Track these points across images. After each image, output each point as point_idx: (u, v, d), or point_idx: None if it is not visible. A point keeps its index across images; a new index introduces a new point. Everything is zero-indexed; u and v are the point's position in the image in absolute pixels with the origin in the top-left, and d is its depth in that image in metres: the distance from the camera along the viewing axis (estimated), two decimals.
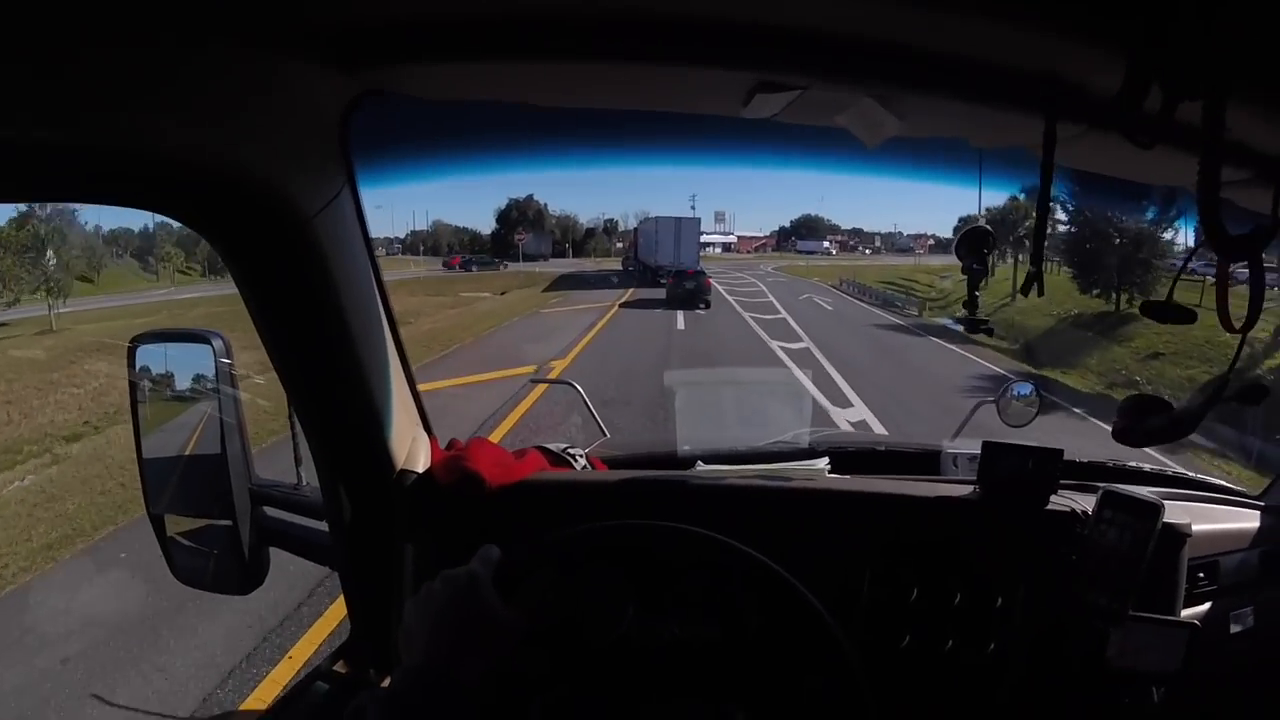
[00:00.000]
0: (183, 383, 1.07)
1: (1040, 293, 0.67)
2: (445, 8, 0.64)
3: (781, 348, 11.94)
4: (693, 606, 0.96)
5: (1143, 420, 0.69)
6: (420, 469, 1.07)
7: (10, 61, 0.48)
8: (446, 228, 62.43)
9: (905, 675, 1.03)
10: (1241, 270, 0.64)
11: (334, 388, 0.95)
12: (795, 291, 27.30)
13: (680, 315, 16.69)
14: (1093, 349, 13.98)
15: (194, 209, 0.78)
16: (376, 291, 0.96)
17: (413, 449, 1.08)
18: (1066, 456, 1.08)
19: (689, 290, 19.32)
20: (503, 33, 0.65)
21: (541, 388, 8.10)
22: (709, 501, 1.11)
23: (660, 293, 20.91)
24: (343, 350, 0.92)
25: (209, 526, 1.08)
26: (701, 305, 18.78)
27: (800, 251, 63.78)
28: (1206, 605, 1.13)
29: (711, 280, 20.76)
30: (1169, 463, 1.44)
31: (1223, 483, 1.44)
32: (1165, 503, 1.02)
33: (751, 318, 16.81)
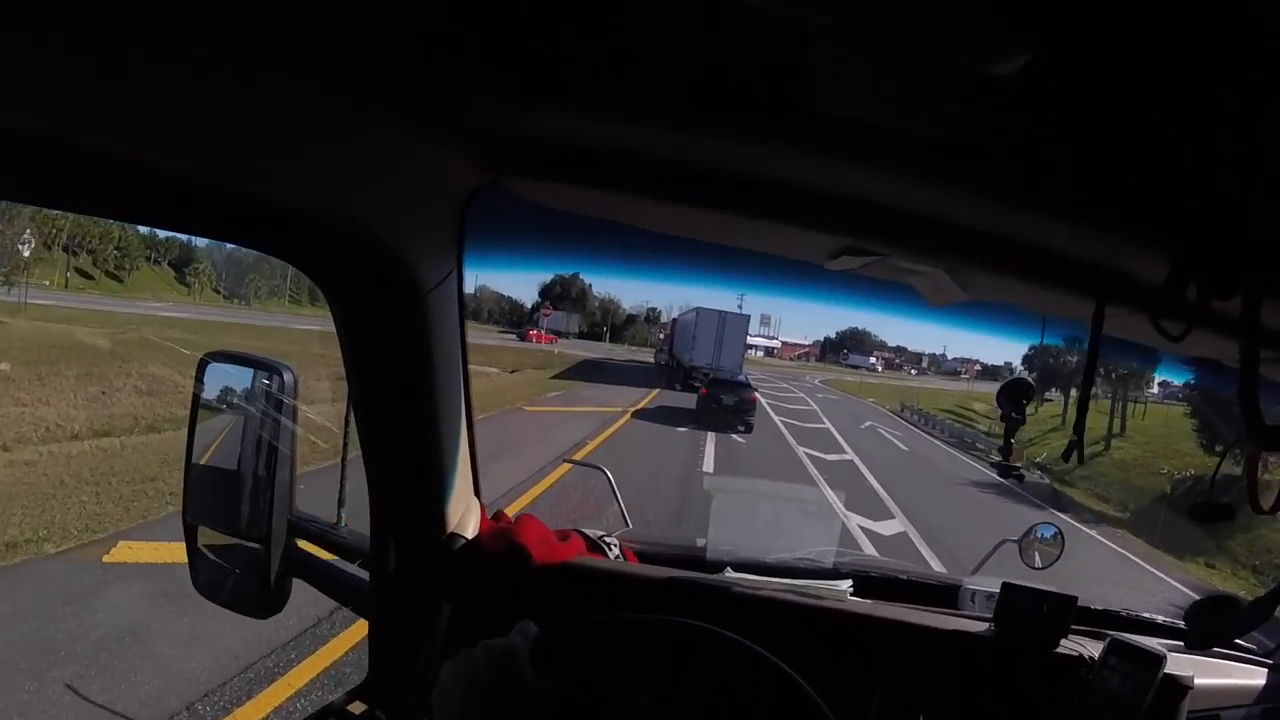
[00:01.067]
0: (245, 404, 1.35)
1: (1080, 460, 0.92)
2: (573, 138, 0.85)
3: (863, 526, 9.58)
4: (705, 703, 1.18)
5: (1215, 620, 0.88)
6: (469, 534, 1.34)
7: (201, 113, 0.64)
8: (491, 294, 69.82)
9: None
10: None
11: (406, 447, 1.22)
12: (853, 415, 26.98)
13: (710, 443, 14.70)
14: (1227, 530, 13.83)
15: (322, 265, 1.03)
16: (462, 367, 1.24)
17: (465, 515, 1.35)
18: (1084, 603, 1.33)
19: (727, 407, 17.95)
20: (621, 168, 0.88)
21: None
22: (738, 608, 1.37)
23: (690, 400, 19.99)
24: (422, 413, 1.18)
25: (239, 546, 1.33)
26: (741, 429, 17.51)
27: (847, 365, 69.74)
28: None
29: (757, 395, 19.78)
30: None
31: (1237, 640, 1.66)
32: (1172, 654, 1.26)
33: (806, 454, 15.53)
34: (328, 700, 1.32)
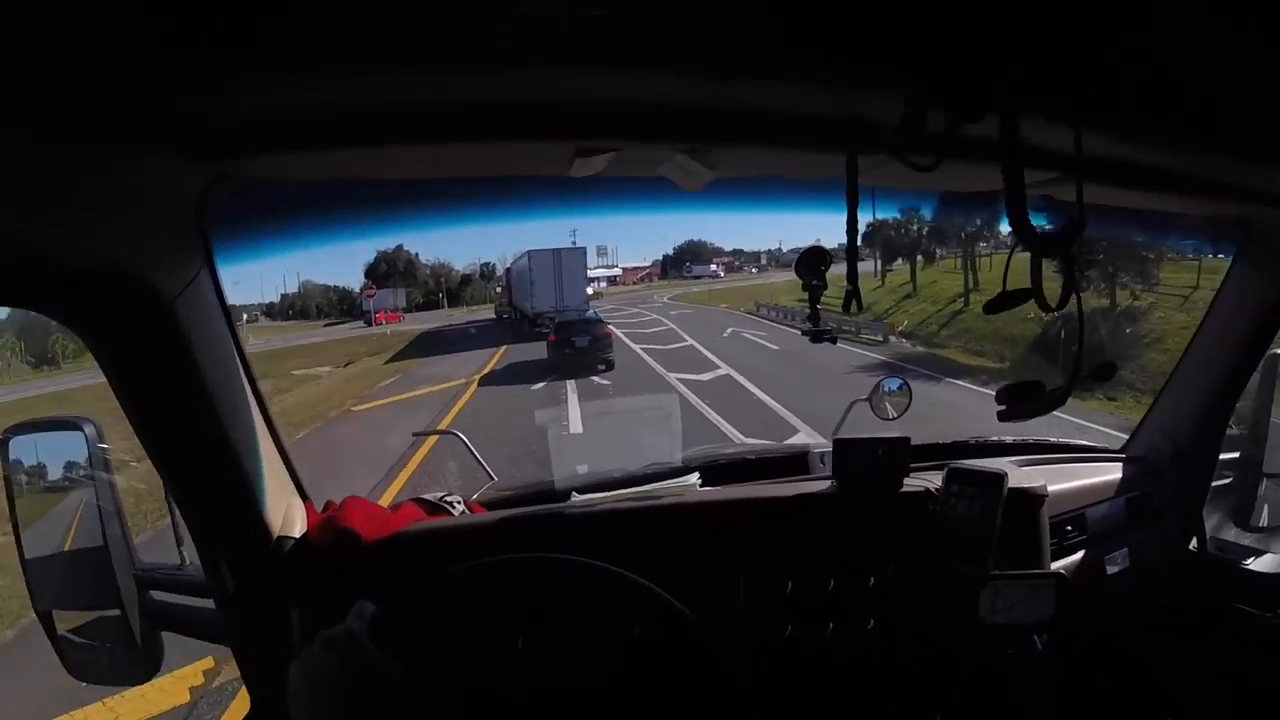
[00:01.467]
0: (57, 473, 1.35)
1: (860, 307, 1.02)
2: (285, 104, 0.85)
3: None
4: (580, 637, 1.30)
5: (1020, 402, 1.01)
6: (297, 534, 1.37)
7: None
8: (316, 288, 68.47)
9: (794, 664, 1.44)
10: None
11: (205, 464, 1.23)
12: (712, 326, 27.02)
13: (573, 396, 13.76)
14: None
15: (52, 300, 1.02)
16: (240, 366, 1.26)
17: (288, 515, 1.38)
18: (928, 441, 1.54)
19: (581, 349, 17.41)
20: (337, 123, 0.88)
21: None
22: (583, 529, 1.48)
23: (541, 349, 19.22)
24: (211, 427, 1.20)
25: (99, 619, 1.35)
26: (602, 368, 17.03)
27: (691, 277, 73.74)
28: (1079, 554, 1.63)
29: (611, 329, 19.15)
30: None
31: (1081, 442, 2.04)
32: (1021, 469, 1.48)
33: (680, 381, 14.93)
34: None
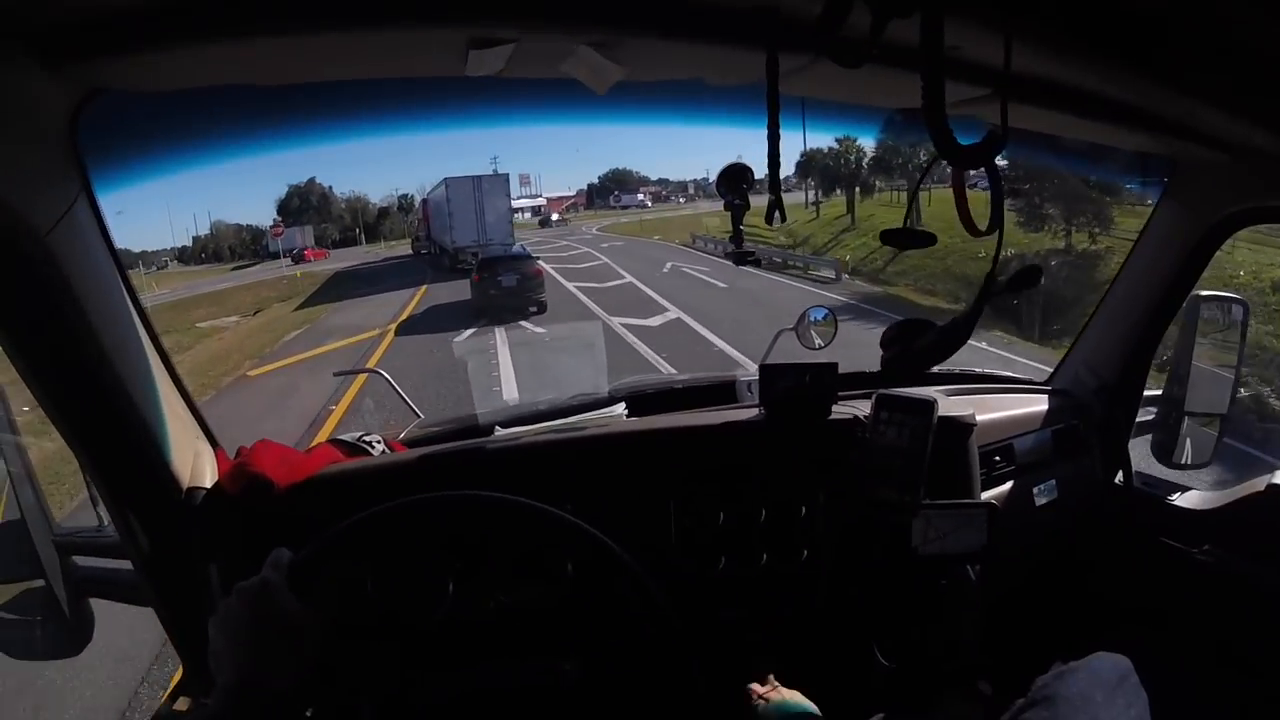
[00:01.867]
0: None
1: (782, 219, 1.01)
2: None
3: None
4: (512, 572, 1.36)
5: (910, 344, 1.02)
6: (208, 483, 1.38)
7: None
8: (228, 228, 68.71)
9: (727, 596, 1.51)
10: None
11: (102, 414, 1.21)
12: (650, 260, 27.00)
13: (503, 345, 11.33)
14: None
15: None
16: (130, 304, 1.23)
17: (196, 464, 1.39)
18: (850, 369, 1.60)
19: (508, 289, 16.75)
20: (211, 13, 0.86)
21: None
22: (506, 464, 1.51)
23: (463, 290, 18.77)
24: (103, 373, 1.18)
25: (23, 591, 1.38)
26: (534, 310, 16.52)
27: (619, 207, 76.94)
28: (1008, 485, 1.75)
29: (542, 266, 18.58)
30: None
31: (1007, 374, 2.17)
32: (949, 399, 1.54)
33: (625, 326, 14.15)
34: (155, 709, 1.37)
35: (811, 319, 2.17)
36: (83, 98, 0.99)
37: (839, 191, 34.60)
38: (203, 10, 0.86)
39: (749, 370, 2.01)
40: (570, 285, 20.72)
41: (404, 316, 18.79)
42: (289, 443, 1.49)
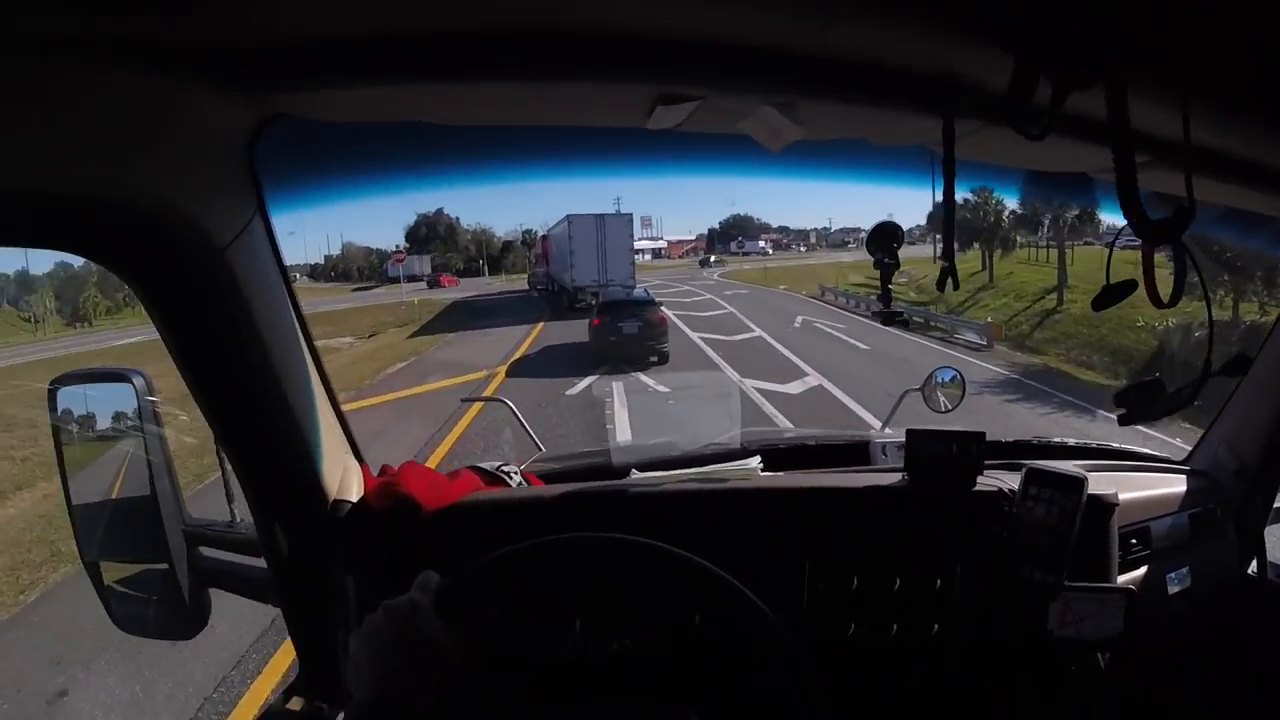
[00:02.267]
0: (106, 423, 1.52)
1: (955, 286, 1.04)
2: (341, 29, 0.89)
3: None
4: (639, 616, 1.42)
5: (1145, 404, 1.08)
6: (354, 498, 1.51)
7: None
8: (358, 250, 76.67)
9: (854, 664, 1.53)
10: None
11: (259, 421, 1.35)
12: (778, 311, 27.12)
13: (620, 395, 10.37)
14: None
15: (103, 245, 1.10)
16: (295, 319, 1.37)
17: (345, 478, 1.52)
18: (992, 438, 1.60)
19: (629, 336, 16.71)
20: (400, 54, 0.92)
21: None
22: (645, 509, 1.59)
23: (580, 330, 18.89)
24: (265, 382, 1.30)
25: (145, 571, 1.53)
26: (654, 360, 16.44)
27: (738, 253, 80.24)
28: (1142, 570, 1.72)
29: (665, 314, 18.29)
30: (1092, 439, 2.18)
31: (1146, 451, 2.12)
32: (1090, 475, 1.54)
33: (758, 390, 13.28)
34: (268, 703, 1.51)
35: (939, 380, 2.21)
36: (263, 122, 1.10)
37: (975, 245, 33.96)
38: (396, 51, 0.93)
39: (881, 430, 2.06)
40: (694, 335, 20.66)
41: (518, 355, 19.17)
42: None
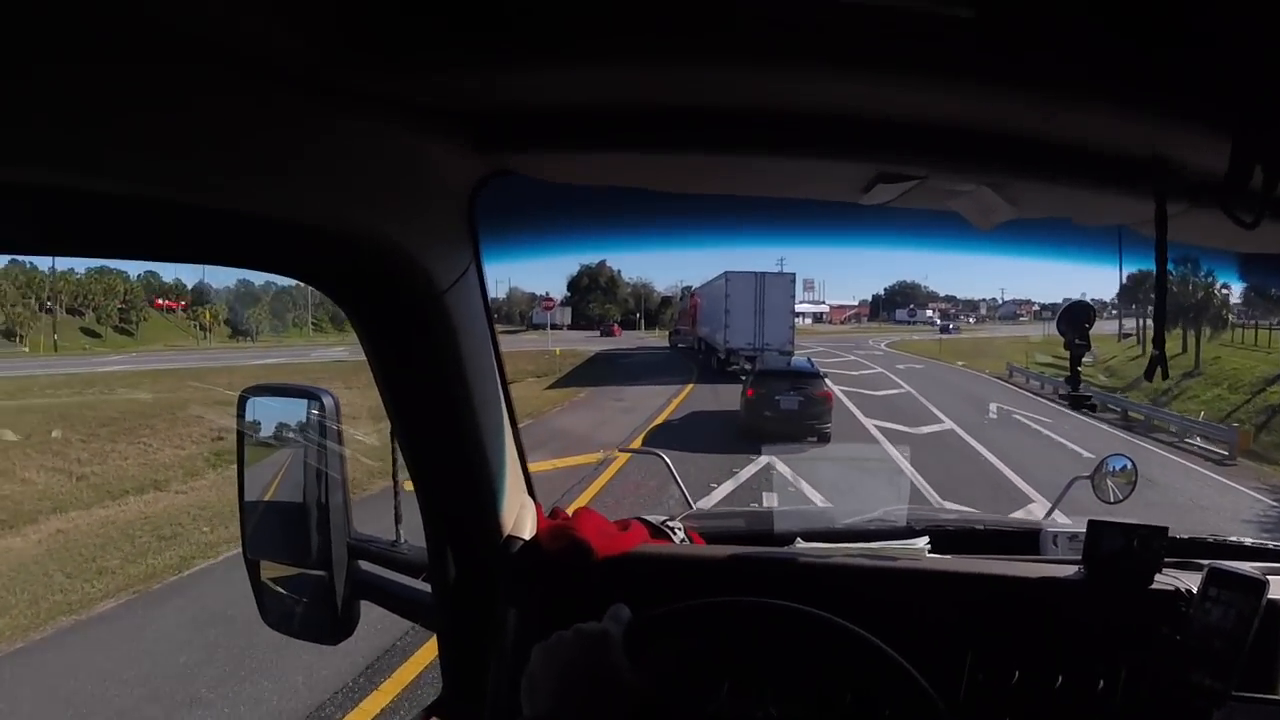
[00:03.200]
0: (291, 435, 1.77)
1: (1165, 375, 1.10)
2: (579, 99, 1.02)
3: None
4: (787, 686, 1.50)
5: None
6: (527, 535, 1.68)
7: (176, 131, 0.78)
8: (522, 295, 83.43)
9: None
10: None
11: (450, 454, 1.53)
12: (965, 396, 25.47)
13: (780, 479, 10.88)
14: None
15: (334, 279, 1.27)
16: (495, 364, 1.56)
17: (520, 516, 1.69)
18: (1172, 534, 1.62)
19: (788, 412, 16.15)
20: (624, 124, 1.05)
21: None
22: (813, 580, 1.68)
23: (730, 397, 18.61)
24: (461, 419, 1.48)
25: (302, 575, 1.76)
26: (814, 440, 15.70)
27: (903, 322, 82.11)
28: None
29: (831, 390, 17.74)
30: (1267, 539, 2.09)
31: None
32: (1271, 578, 1.55)
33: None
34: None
35: (1109, 469, 2.25)
36: (486, 176, 1.26)
37: (1177, 324, 31.88)
38: (623, 121, 1.06)
39: (1046, 516, 2.13)
40: (868, 422, 18.91)
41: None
42: None
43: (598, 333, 62.80)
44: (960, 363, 37.80)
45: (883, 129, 1.05)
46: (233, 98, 0.82)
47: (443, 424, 1.51)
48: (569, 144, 1.13)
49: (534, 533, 1.72)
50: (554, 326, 50.88)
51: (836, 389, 20.16)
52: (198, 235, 1.01)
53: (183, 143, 0.80)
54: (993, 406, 22.83)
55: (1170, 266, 1.12)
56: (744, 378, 19.89)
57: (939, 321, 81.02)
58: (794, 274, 30.06)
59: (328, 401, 1.72)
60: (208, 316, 58.79)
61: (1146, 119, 0.98)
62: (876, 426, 18.08)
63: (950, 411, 21.14)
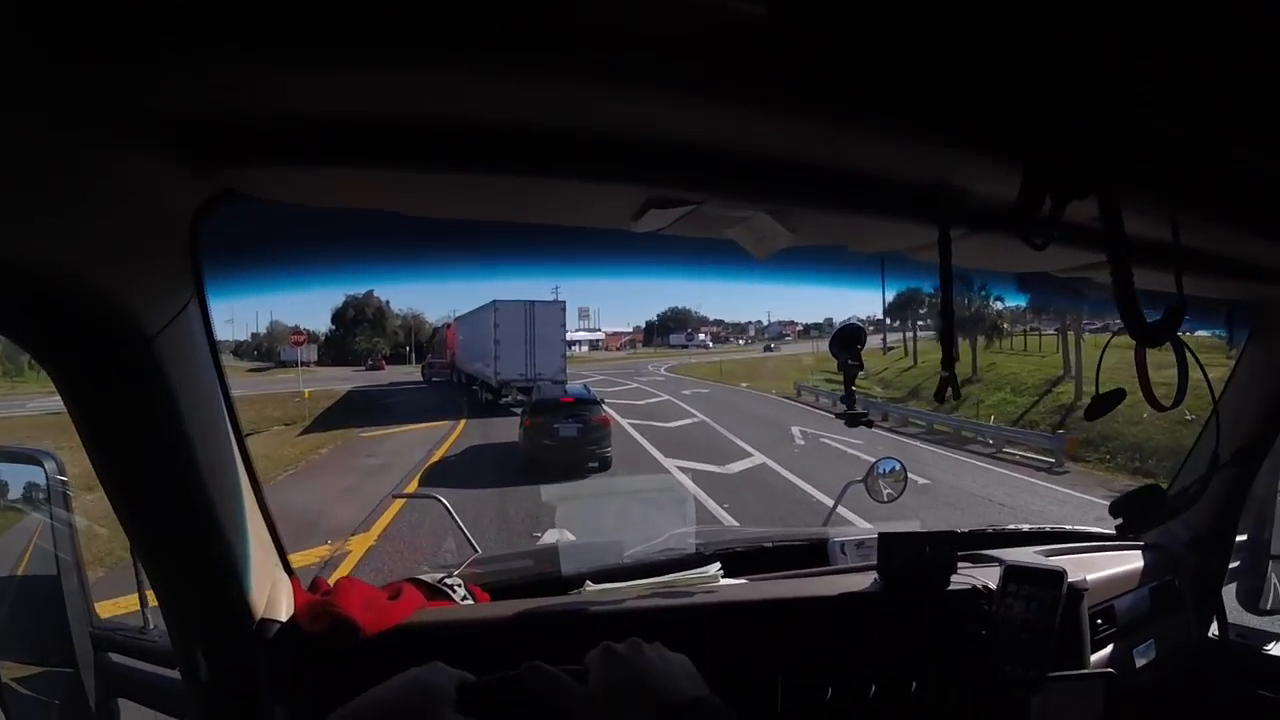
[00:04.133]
0: (11, 510, 1.67)
1: (956, 395, 1.18)
2: (310, 106, 0.95)
3: None
4: None
5: (1145, 510, 1.30)
6: (283, 617, 1.60)
7: None
8: (284, 329, 79.09)
9: None
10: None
11: (181, 525, 1.41)
12: (761, 420, 25.41)
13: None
14: None
15: (14, 318, 1.15)
16: (226, 415, 1.45)
17: (273, 593, 1.60)
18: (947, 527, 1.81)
19: (567, 440, 16.82)
20: (373, 137, 0.99)
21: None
22: (608, 627, 1.70)
23: (503, 431, 19.24)
24: (189, 483, 1.36)
25: (48, 673, 1.65)
26: (594, 467, 16.63)
27: (681, 346, 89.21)
28: (1109, 648, 1.97)
29: (609, 415, 18.43)
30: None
31: (1100, 530, 2.46)
32: (1043, 560, 1.78)
33: None
34: None
35: (880, 470, 2.55)
36: (209, 200, 1.17)
37: (963, 338, 34.71)
38: (365, 132, 1.00)
39: (824, 525, 2.39)
40: (671, 464, 17.67)
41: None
42: None
43: (364, 367, 59.43)
44: (744, 384, 39.10)
45: (656, 151, 1.06)
46: None
47: (167, 490, 1.38)
48: (298, 158, 1.05)
49: (291, 612, 1.64)
50: (303, 363, 49.10)
51: (625, 422, 20.84)
52: None
53: None
54: (795, 431, 22.91)
55: (933, 287, 1.24)
56: (519, 410, 20.22)
57: (710, 345, 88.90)
58: (564, 302, 30.73)
59: (49, 466, 1.63)
60: None
61: (937, 148, 1.06)
62: (681, 468, 17.04)
63: (754, 441, 20.65)
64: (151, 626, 1.67)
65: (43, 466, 1.61)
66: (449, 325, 41.62)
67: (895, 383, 34.12)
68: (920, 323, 40.32)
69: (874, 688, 1.74)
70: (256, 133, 0.98)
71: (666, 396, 33.66)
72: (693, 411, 27.90)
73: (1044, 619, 1.72)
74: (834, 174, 1.13)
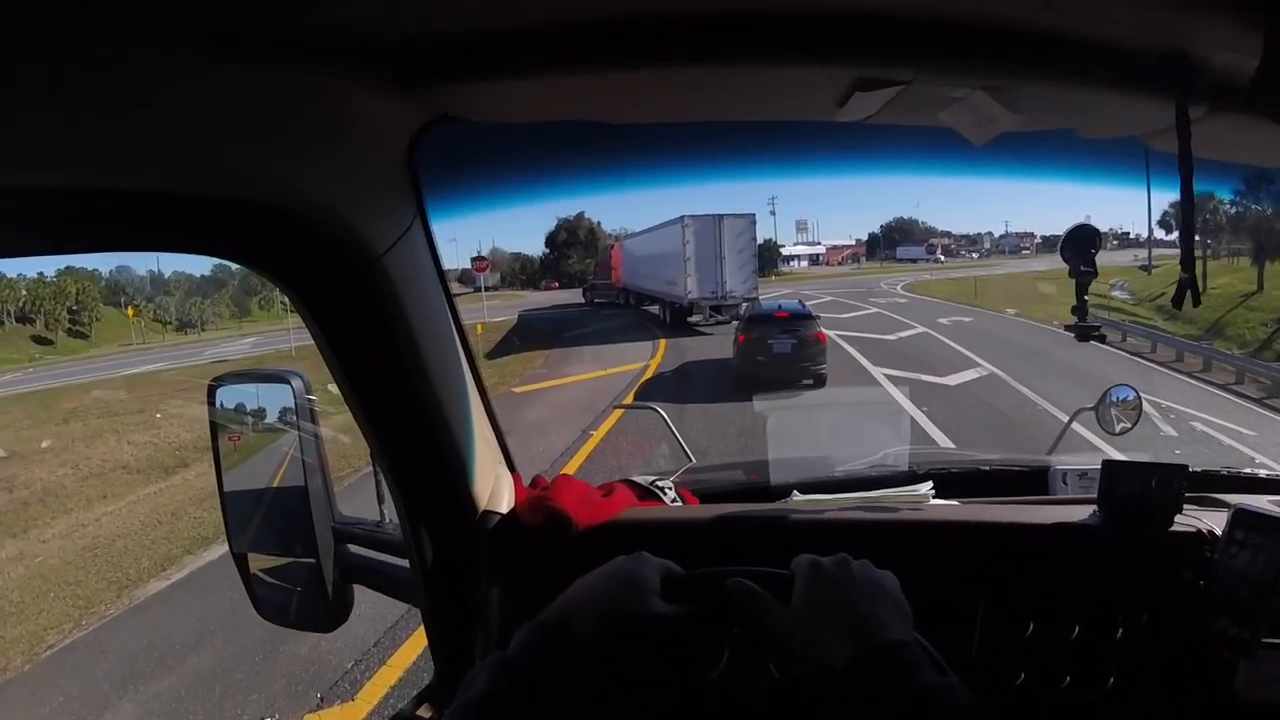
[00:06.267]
0: (263, 422, 2.05)
1: (1196, 302, 1.15)
2: (507, 19, 1.05)
3: None
4: (788, 653, 1.60)
5: None
6: (504, 509, 1.86)
7: (46, 108, 0.82)
8: (503, 255, 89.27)
9: (1020, 714, 1.77)
10: None
11: (413, 428, 1.65)
12: (1076, 375, 17.92)
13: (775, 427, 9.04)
14: None
15: (258, 251, 1.33)
16: (453, 326, 1.69)
17: (496, 488, 1.86)
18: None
19: (780, 356, 18.18)
20: (573, 42, 1.08)
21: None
22: (810, 536, 1.84)
23: (703, 347, 19.70)
24: (420, 389, 1.60)
25: (292, 564, 2.05)
26: (808, 383, 17.83)
27: (903, 260, 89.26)
28: None
29: (825, 331, 19.30)
30: None
31: None
32: None
33: None
34: (398, 709, 1.87)
35: (1113, 399, 2.55)
36: (426, 123, 1.36)
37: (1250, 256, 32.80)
38: (564, 39, 1.09)
39: (1050, 453, 2.37)
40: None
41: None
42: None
43: (539, 289, 61.15)
44: (1011, 310, 37.00)
45: (860, 27, 1.09)
46: (121, 62, 0.86)
47: (401, 397, 1.63)
48: (502, 71, 1.16)
49: (512, 505, 1.90)
50: (486, 289, 50.84)
51: (878, 372, 19.57)
52: (100, 221, 1.09)
53: (67, 121, 0.87)
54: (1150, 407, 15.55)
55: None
56: (705, 330, 21.66)
57: (942, 259, 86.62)
58: (753, 214, 30.71)
59: (297, 384, 1.97)
60: (131, 313, 64.54)
61: (1168, 5, 1.03)
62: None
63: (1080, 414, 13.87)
64: (386, 521, 1.96)
65: (290, 385, 1.92)
66: (611, 246, 43.27)
67: (1171, 308, 30.62)
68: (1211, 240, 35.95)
69: (1078, 629, 1.77)
70: (459, 52, 1.13)
71: (922, 328, 29.68)
72: (970, 355, 22.81)
73: (1269, 574, 1.63)
74: (1053, 40, 1.12)
